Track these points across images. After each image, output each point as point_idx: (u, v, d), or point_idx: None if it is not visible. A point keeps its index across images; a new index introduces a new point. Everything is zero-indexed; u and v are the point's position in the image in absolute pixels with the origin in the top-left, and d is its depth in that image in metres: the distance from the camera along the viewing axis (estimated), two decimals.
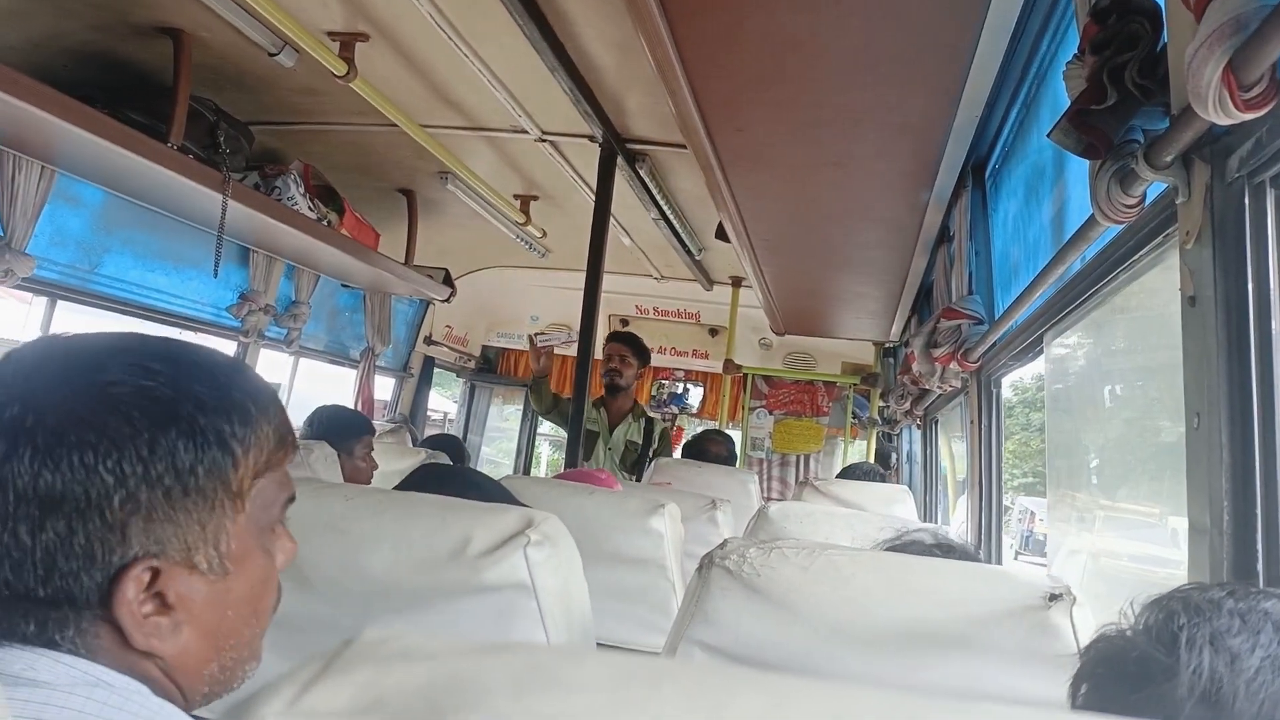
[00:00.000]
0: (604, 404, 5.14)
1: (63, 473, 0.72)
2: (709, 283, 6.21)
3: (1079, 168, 1.87)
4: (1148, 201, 1.20)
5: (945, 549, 1.52)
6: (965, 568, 1.15)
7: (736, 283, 6.12)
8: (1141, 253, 1.36)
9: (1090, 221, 1.39)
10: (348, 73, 3.01)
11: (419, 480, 1.44)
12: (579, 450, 3.74)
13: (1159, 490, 1.98)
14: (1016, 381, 2.89)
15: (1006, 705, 0.35)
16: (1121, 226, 1.28)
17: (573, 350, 4.04)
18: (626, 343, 5.09)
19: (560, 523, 1.26)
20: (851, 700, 0.33)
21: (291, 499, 0.90)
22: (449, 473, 1.61)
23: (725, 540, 1.22)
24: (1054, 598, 1.07)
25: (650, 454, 5.05)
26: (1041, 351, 2.17)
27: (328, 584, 1.22)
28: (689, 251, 5.24)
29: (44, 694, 0.72)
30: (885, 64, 1.76)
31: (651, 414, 5.38)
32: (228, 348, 4.66)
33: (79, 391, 0.75)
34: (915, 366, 3.07)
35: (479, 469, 7.80)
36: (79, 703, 0.72)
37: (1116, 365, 2.05)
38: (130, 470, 0.75)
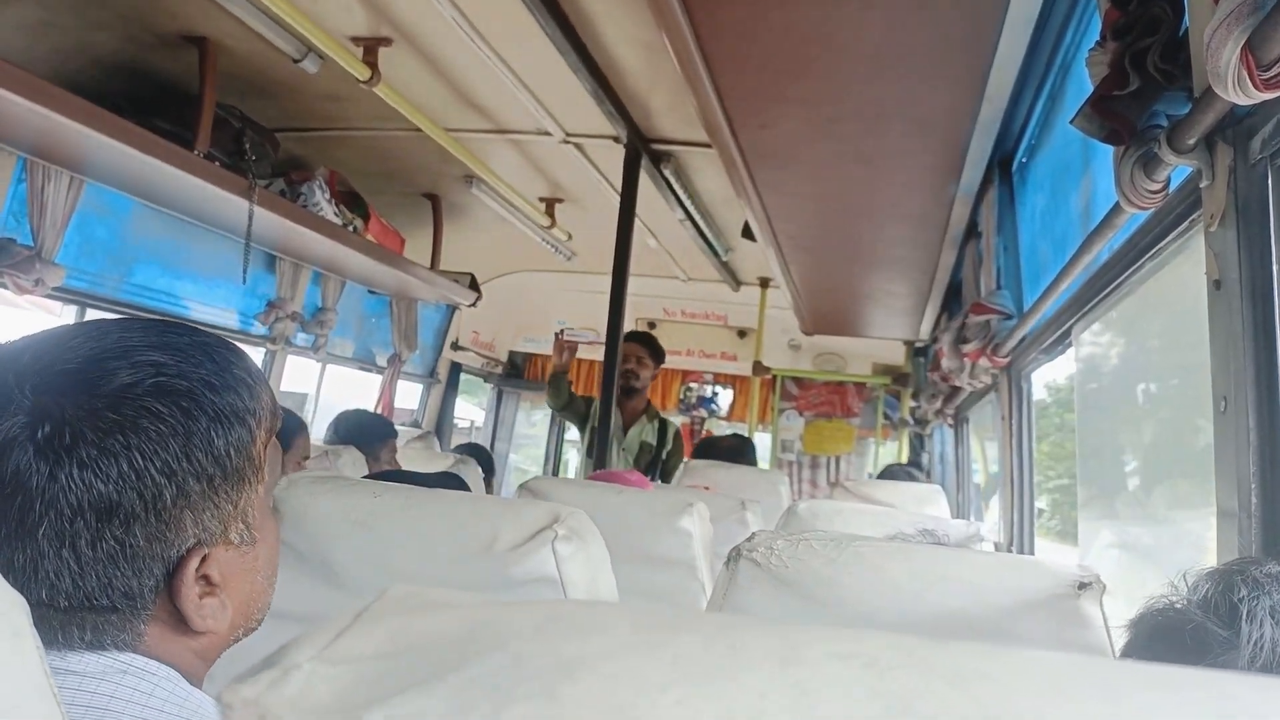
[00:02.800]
0: (618, 405, 5.12)
1: (115, 481, 0.74)
2: (736, 284, 6.19)
3: (1106, 159, 1.85)
4: (1172, 187, 1.18)
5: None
6: (994, 557, 1.14)
7: (764, 283, 6.09)
8: (1168, 239, 1.34)
9: (1116, 209, 1.37)
10: (371, 77, 3.03)
11: None
12: (607, 451, 3.73)
13: (1192, 485, 1.96)
14: (1050, 381, 2.87)
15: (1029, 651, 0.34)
16: (1147, 213, 1.27)
17: (598, 354, 4.04)
18: (642, 342, 5.08)
19: (587, 518, 1.26)
20: (867, 643, 0.33)
21: (284, 461, 0.93)
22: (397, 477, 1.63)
23: (753, 533, 1.21)
24: (1084, 586, 1.06)
25: (664, 455, 5.04)
26: (1070, 344, 2.15)
27: (356, 581, 1.22)
28: (715, 252, 5.22)
29: (75, 680, 0.73)
30: (908, 58, 1.75)
31: (669, 417, 5.35)
32: (255, 355, 4.70)
33: (104, 399, 0.75)
34: (945, 363, 3.05)
35: (508, 476, 7.84)
36: (109, 688, 0.74)
37: (1147, 359, 2.02)
38: (177, 465, 0.77)
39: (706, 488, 3.37)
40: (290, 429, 2.75)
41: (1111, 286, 1.67)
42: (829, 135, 2.20)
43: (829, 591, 1.12)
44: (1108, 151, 1.83)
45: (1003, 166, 2.73)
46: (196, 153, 3.06)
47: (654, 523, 2.09)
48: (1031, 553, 2.69)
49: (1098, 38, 1.22)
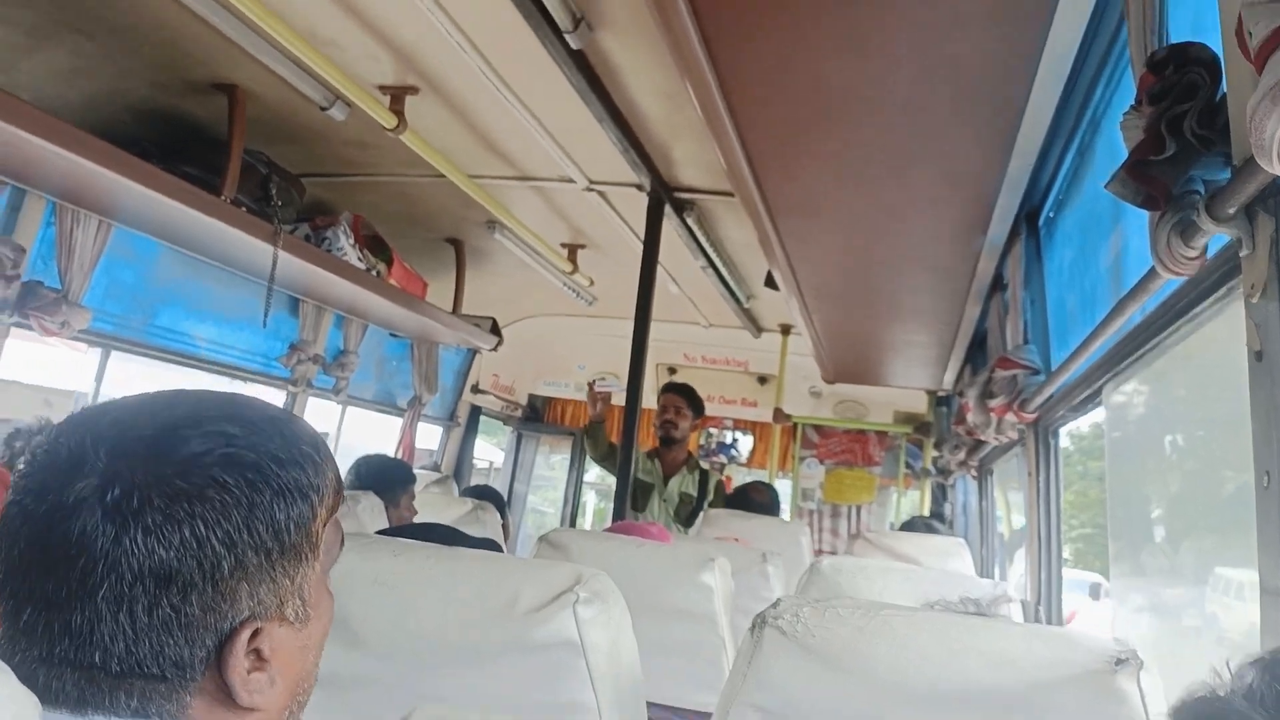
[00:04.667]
0: (658, 455, 5.11)
1: (176, 549, 0.74)
2: (757, 330, 6.16)
3: (1136, 215, 1.83)
4: (1210, 253, 1.16)
5: None
6: (1027, 629, 1.11)
7: (785, 330, 6.07)
8: (1204, 304, 1.32)
9: (1151, 273, 1.35)
10: (398, 126, 3.05)
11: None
12: (627, 500, 3.71)
13: (1229, 547, 1.91)
14: (1073, 429, 2.83)
15: None
16: (1183, 279, 1.25)
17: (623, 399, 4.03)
18: (681, 394, 5.07)
19: (609, 580, 1.24)
20: None
21: (343, 542, 0.91)
22: (434, 533, 1.61)
23: (778, 599, 1.19)
24: (1120, 662, 1.03)
25: (705, 506, 5.01)
26: (1100, 403, 2.12)
27: (377, 640, 1.20)
28: (737, 299, 5.21)
29: None
30: (936, 112, 1.75)
31: (704, 465, 5.33)
32: (277, 397, 4.71)
33: (173, 466, 0.76)
34: (970, 418, 3.02)
35: (525, 517, 7.81)
36: None
37: (1180, 416, 1.99)
38: (238, 537, 0.77)
39: (737, 539, 3.34)
40: None
41: (1144, 349, 1.64)
42: (855, 187, 2.19)
43: (857, 661, 1.09)
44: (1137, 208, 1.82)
45: (1030, 220, 2.72)
46: (223, 198, 3.09)
47: (675, 576, 2.07)
48: (1060, 612, 2.64)
49: (1132, 101, 1.21)
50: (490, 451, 11.59)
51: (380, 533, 1.65)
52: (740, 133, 1.92)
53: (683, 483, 5.04)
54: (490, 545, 1.72)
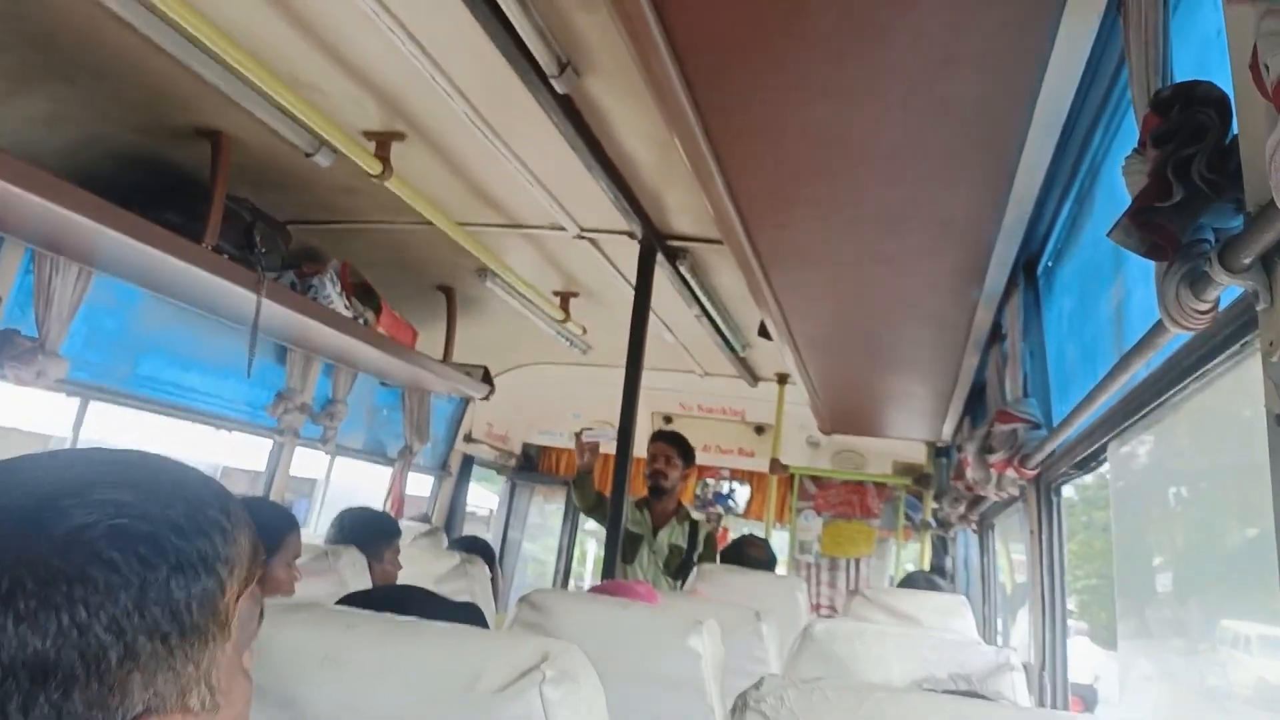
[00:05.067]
0: (647, 505, 4.98)
1: (54, 637, 0.65)
2: (754, 379, 6.10)
3: (1138, 264, 1.76)
4: (1223, 305, 1.08)
5: None
6: (1032, 715, 1.02)
7: (782, 379, 6.01)
8: (1216, 361, 1.23)
9: (1158, 327, 1.27)
10: (383, 172, 3.00)
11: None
12: (617, 554, 3.61)
13: (1240, 605, 1.82)
14: (1076, 480, 2.73)
15: None
16: (1193, 334, 1.17)
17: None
18: (672, 442, 4.96)
19: (580, 655, 1.15)
20: None
21: (262, 612, 0.81)
22: (409, 599, 1.51)
23: (761, 679, 1.10)
24: None
25: (695, 558, 4.89)
26: (1104, 460, 2.03)
27: None
28: (733, 348, 5.15)
29: None
30: (930, 160, 1.69)
31: (696, 515, 5.21)
32: (263, 447, 4.63)
33: (50, 543, 0.67)
34: (970, 473, 2.93)
35: (526, 566, 7.68)
36: None
37: (1189, 472, 1.90)
38: (126, 622, 0.67)
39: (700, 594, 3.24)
40: (280, 526, 2.65)
41: (1152, 406, 1.55)
42: (847, 236, 2.12)
43: None
44: (1140, 260, 1.75)
45: (1028, 269, 2.65)
46: (205, 245, 3.03)
47: (660, 640, 1.98)
48: (1065, 678, 2.53)
49: (1135, 145, 1.13)
50: (489, 499, 11.47)
51: (349, 598, 1.55)
52: (730, 183, 1.86)
53: (672, 534, 4.91)
54: (472, 611, 1.63)
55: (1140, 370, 1.54)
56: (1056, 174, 2.05)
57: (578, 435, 5.05)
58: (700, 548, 4.91)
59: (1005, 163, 1.63)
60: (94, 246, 2.90)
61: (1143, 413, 1.61)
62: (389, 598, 1.74)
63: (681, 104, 1.57)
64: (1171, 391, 1.43)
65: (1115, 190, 1.81)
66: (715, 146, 1.68)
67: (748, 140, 1.69)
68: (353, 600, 1.52)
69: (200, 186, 3.13)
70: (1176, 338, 1.30)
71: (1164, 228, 1.03)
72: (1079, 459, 2.21)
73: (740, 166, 1.79)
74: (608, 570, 3.57)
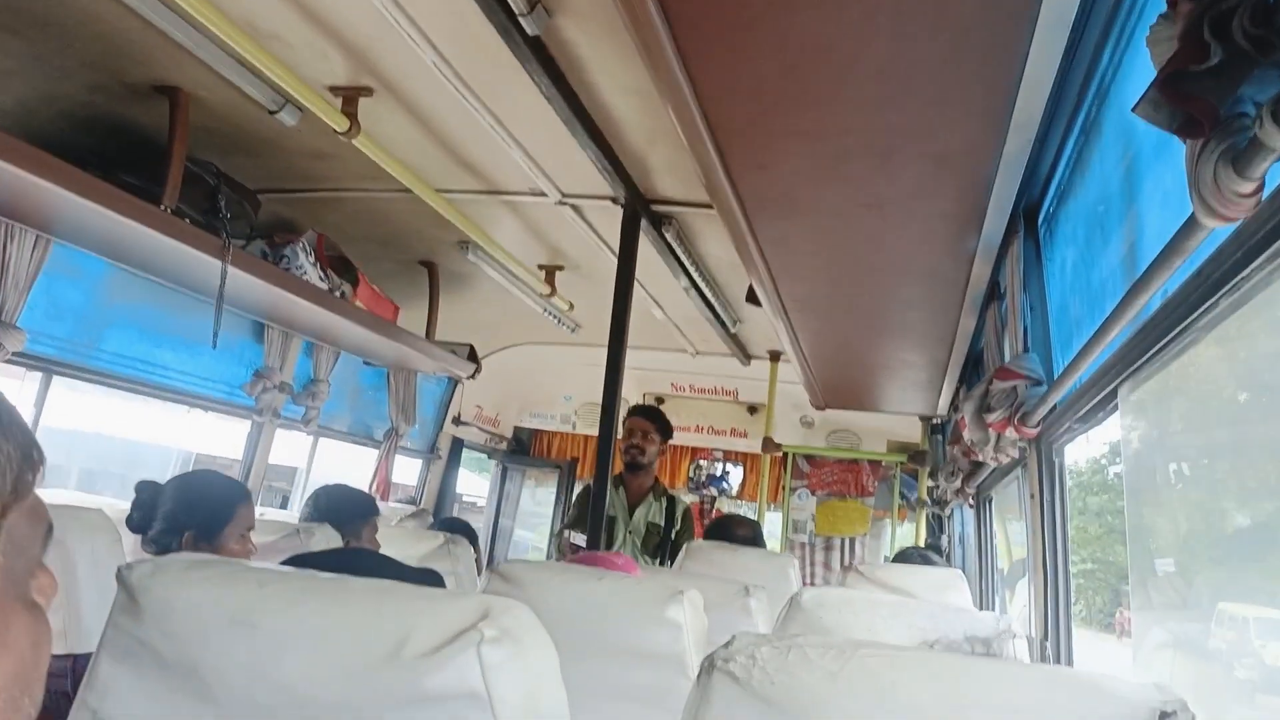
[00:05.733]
0: (623, 482, 4.82)
1: None
2: (746, 358, 5.98)
3: (1153, 200, 1.62)
4: (1266, 192, 0.93)
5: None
6: (1044, 673, 0.88)
7: (774, 357, 5.88)
8: (1261, 260, 1.06)
9: (1185, 229, 1.11)
10: (350, 129, 2.86)
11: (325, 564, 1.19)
12: (601, 529, 3.47)
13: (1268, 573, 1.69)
14: (1070, 465, 2.59)
15: None
16: (1229, 231, 1.02)
17: (595, 429, 3.79)
18: (649, 417, 4.81)
19: (528, 613, 1.01)
20: None
21: (50, 530, 0.66)
22: (357, 561, 1.36)
23: (733, 637, 0.96)
24: (1165, 716, 0.80)
25: (674, 535, 4.75)
26: (1115, 409, 1.88)
27: (232, 695, 0.97)
28: (723, 324, 5.02)
29: None
30: (921, 79, 1.54)
31: (672, 492, 5.06)
32: (241, 427, 4.50)
33: None
34: (967, 435, 2.78)
35: (511, 552, 7.56)
36: None
37: (1215, 414, 1.75)
38: None
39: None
40: (231, 498, 2.51)
41: (1175, 331, 1.38)
42: (835, 176, 1.97)
43: (828, 717, 0.86)
44: (1156, 190, 1.60)
45: (1029, 218, 2.50)
46: (164, 208, 2.88)
47: (638, 612, 1.84)
48: (1070, 649, 2.39)
49: (1159, 14, 0.98)
50: (482, 487, 11.38)
51: (294, 559, 1.40)
52: (703, 107, 1.70)
53: (649, 512, 4.77)
54: (432, 577, 1.49)
55: (1155, 297, 1.39)
56: (1061, 98, 1.90)
57: (563, 537, 4.86)
58: (679, 524, 4.76)
59: (1005, 81, 1.49)
60: (48, 210, 2.76)
61: (1163, 342, 1.45)
62: (338, 559, 1.59)
63: (651, 17, 1.42)
64: (1198, 312, 1.26)
65: (1125, 118, 1.67)
66: (688, 64, 1.53)
67: (721, 58, 1.54)
68: (298, 561, 1.38)
69: (160, 148, 2.98)
70: (1199, 251, 1.15)
71: (1198, 99, 0.88)
72: (1084, 411, 2.06)
73: (715, 89, 1.63)
74: (592, 544, 3.44)
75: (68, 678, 1.41)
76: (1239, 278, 1.11)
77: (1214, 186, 0.91)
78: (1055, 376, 2.18)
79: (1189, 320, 1.30)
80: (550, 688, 1.03)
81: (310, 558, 1.47)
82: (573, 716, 1.08)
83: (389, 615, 0.96)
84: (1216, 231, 1.07)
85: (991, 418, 2.48)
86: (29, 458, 0.63)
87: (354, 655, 0.95)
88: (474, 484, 11.92)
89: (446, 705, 0.93)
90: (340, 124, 2.84)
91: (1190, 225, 1.10)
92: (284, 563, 1.34)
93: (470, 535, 4.24)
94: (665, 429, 4.84)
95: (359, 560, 1.53)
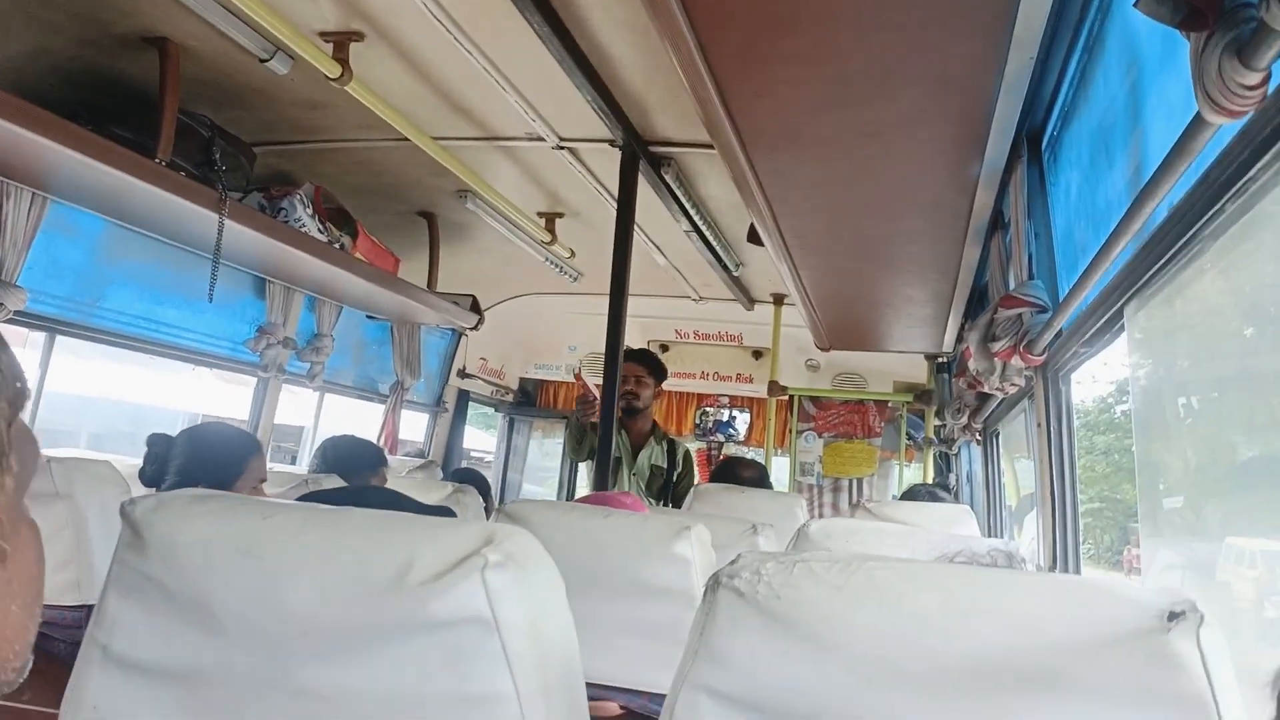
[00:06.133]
0: (623, 428, 4.83)
1: None
2: (749, 302, 5.96)
3: (1159, 112, 1.59)
4: (1274, 85, 0.90)
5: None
6: (1050, 581, 0.88)
7: (778, 300, 5.86)
8: (1266, 159, 1.03)
9: (1190, 131, 1.08)
10: (342, 75, 2.82)
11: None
12: (608, 471, 3.48)
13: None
14: (1077, 404, 2.57)
15: None
16: (1235, 132, 0.99)
17: (600, 376, 3.79)
18: (642, 361, 4.81)
19: (531, 539, 1.01)
20: None
21: (38, 449, 0.66)
22: (368, 497, 1.36)
23: (738, 555, 0.96)
24: (1174, 616, 0.79)
25: (675, 477, 4.77)
26: (1121, 330, 1.87)
27: (240, 624, 0.97)
28: (726, 268, 4.99)
29: None
30: None
31: (674, 437, 5.07)
32: (247, 388, 4.50)
33: None
34: (972, 364, 2.77)
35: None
36: None
37: (1225, 328, 1.71)
38: None
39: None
40: (242, 450, 2.51)
41: (1181, 241, 1.36)
42: (833, 102, 1.94)
43: (835, 629, 0.86)
44: (1161, 104, 1.57)
45: (1032, 143, 2.47)
46: (158, 161, 2.86)
47: (646, 549, 1.84)
48: (1079, 573, 2.40)
49: None
50: (490, 443, 11.42)
51: (308, 495, 1.41)
52: (700, 40, 1.67)
53: (652, 455, 4.80)
54: (445, 512, 1.48)
55: (1161, 208, 1.37)
56: (1063, 13, 1.86)
57: (583, 385, 4.87)
58: (680, 466, 4.78)
59: None
60: (42, 165, 2.74)
61: (1169, 254, 1.42)
62: (349, 495, 1.58)
63: None
64: (1204, 218, 1.24)
65: (1129, 30, 1.64)
66: None
67: None
68: (309, 499, 1.38)
69: (152, 101, 2.95)
70: (1205, 155, 1.13)
71: None
72: (1090, 334, 2.04)
73: (708, 16, 1.60)
74: (599, 485, 3.45)
75: (85, 628, 1.42)
76: (1246, 178, 1.08)
77: (1219, 80, 0.88)
78: (1060, 301, 2.16)
79: (1195, 229, 1.28)
80: (556, 611, 1.03)
81: (321, 495, 1.47)
82: (582, 652, 1.08)
83: (393, 543, 0.96)
84: (1222, 133, 1.05)
85: (997, 347, 2.46)
86: (19, 376, 0.63)
87: (359, 583, 0.95)
88: (481, 440, 11.98)
89: (453, 630, 0.93)
90: (332, 70, 2.81)
91: (1196, 125, 1.07)
92: (298, 499, 1.34)
93: (482, 486, 4.24)
94: (658, 371, 4.85)
95: (370, 496, 1.52)
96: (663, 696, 2.01)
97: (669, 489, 4.73)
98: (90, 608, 1.67)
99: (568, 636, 1.05)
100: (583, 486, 4.93)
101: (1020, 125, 2.12)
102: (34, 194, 2.96)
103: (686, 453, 4.93)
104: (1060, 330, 2.24)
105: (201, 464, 2.42)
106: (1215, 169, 1.15)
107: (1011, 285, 2.54)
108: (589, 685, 1.14)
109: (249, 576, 0.97)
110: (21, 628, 0.63)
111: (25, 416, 0.65)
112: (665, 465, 4.78)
